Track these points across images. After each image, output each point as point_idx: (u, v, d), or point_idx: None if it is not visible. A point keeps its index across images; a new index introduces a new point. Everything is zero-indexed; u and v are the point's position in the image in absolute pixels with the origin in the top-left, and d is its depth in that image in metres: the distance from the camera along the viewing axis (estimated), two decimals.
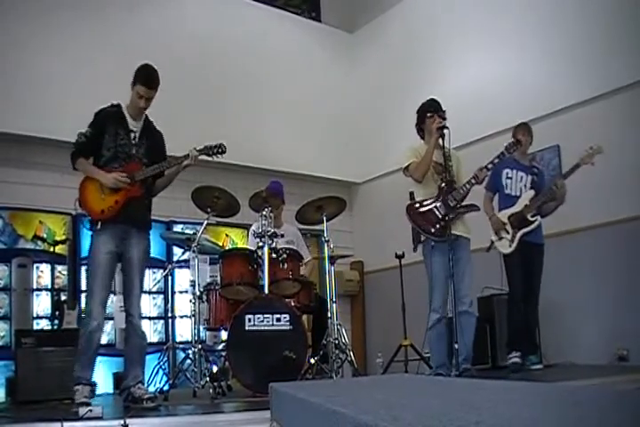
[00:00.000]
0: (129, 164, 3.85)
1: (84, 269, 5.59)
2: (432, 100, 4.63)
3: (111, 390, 5.43)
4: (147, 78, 3.90)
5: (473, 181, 4.40)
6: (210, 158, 4.08)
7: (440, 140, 4.37)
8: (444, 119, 4.46)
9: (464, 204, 4.42)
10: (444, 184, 4.42)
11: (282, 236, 4.81)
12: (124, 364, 3.93)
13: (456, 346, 4.10)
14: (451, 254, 4.22)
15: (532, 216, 4.96)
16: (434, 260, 4.39)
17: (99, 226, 3.76)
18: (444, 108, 4.53)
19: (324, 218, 5.04)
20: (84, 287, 5.41)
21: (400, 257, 5.78)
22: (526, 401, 1.58)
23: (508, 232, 4.98)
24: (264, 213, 4.59)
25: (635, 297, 5.19)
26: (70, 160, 3.88)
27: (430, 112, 4.53)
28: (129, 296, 3.88)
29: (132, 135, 3.92)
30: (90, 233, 3.88)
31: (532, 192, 5.00)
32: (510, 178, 5.09)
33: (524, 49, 6.42)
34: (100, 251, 3.75)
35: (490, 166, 4.45)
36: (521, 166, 5.10)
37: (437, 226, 4.37)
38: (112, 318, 5.58)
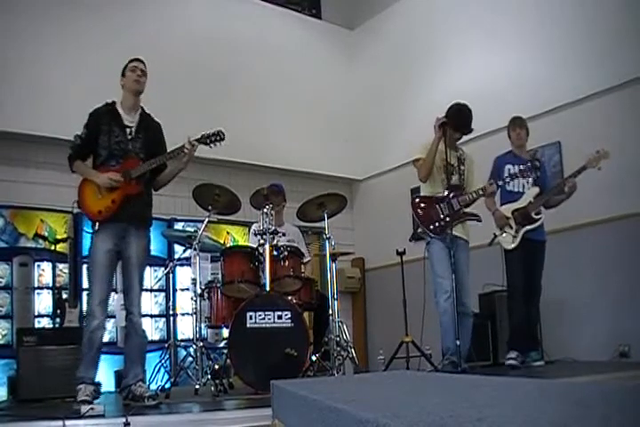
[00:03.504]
0: (126, 160, 3.83)
1: (84, 267, 5.59)
2: (461, 107, 4.62)
3: (113, 389, 5.43)
4: (133, 58, 4.00)
5: (481, 192, 4.54)
6: (208, 147, 3.95)
7: (455, 142, 4.49)
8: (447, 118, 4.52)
9: (467, 211, 4.49)
10: (450, 188, 4.49)
11: (283, 235, 4.80)
12: (124, 362, 3.91)
13: (457, 342, 4.12)
14: (453, 252, 4.26)
15: (536, 214, 4.95)
16: (432, 248, 4.48)
17: (97, 226, 3.77)
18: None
19: (325, 215, 5.04)
20: (85, 286, 5.43)
21: (401, 254, 5.77)
22: (528, 398, 1.58)
23: (511, 227, 4.97)
24: (265, 210, 4.58)
25: (636, 294, 5.19)
26: (68, 163, 3.90)
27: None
28: (129, 294, 3.86)
29: (128, 131, 3.88)
30: (90, 233, 3.89)
31: (536, 189, 4.99)
32: (512, 174, 5.08)
33: (524, 45, 6.41)
34: (100, 250, 3.74)
35: (500, 184, 4.61)
36: (522, 161, 5.09)
37: (437, 224, 4.42)
38: (114, 317, 5.59)
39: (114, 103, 3.95)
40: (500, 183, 4.60)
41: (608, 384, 3.33)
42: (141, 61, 4.01)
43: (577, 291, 5.58)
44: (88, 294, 3.82)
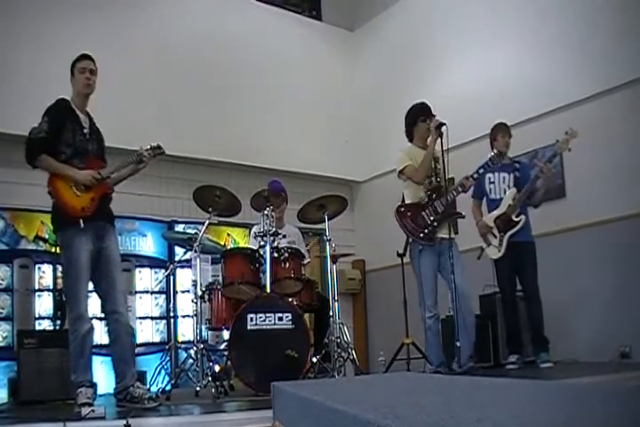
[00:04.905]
0: (89, 160, 3.76)
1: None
2: (423, 103, 4.71)
3: (113, 391, 5.42)
4: (80, 55, 3.89)
5: (459, 189, 4.55)
6: (153, 160, 3.94)
7: (426, 141, 4.48)
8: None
9: (451, 211, 4.53)
10: (431, 191, 4.51)
11: (283, 236, 4.80)
12: (116, 364, 3.77)
13: (458, 344, 4.12)
14: (452, 259, 4.27)
15: (517, 216, 4.97)
16: (422, 260, 4.52)
17: (81, 224, 3.59)
18: (434, 113, 4.63)
19: (326, 217, 5.04)
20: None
21: (402, 255, 5.76)
22: (528, 399, 1.58)
23: (495, 236, 5.01)
24: (266, 212, 4.58)
25: (636, 294, 5.18)
26: (27, 157, 3.69)
27: (423, 116, 4.64)
28: (111, 293, 3.72)
29: (85, 131, 3.81)
30: (63, 232, 3.69)
31: (513, 190, 5.02)
32: (493, 182, 5.13)
33: (524, 46, 6.41)
34: (83, 250, 3.60)
35: (475, 176, 4.59)
36: (501, 167, 5.07)
37: (426, 231, 4.47)
38: None
39: (68, 100, 3.84)
40: (476, 176, 4.58)
41: (609, 385, 3.33)
42: (91, 59, 3.87)
43: (577, 291, 5.57)
44: (72, 298, 3.61)
